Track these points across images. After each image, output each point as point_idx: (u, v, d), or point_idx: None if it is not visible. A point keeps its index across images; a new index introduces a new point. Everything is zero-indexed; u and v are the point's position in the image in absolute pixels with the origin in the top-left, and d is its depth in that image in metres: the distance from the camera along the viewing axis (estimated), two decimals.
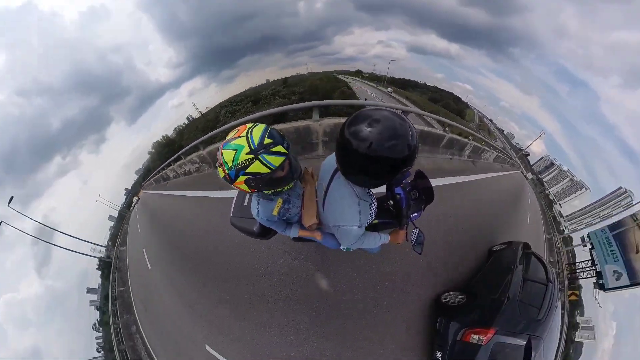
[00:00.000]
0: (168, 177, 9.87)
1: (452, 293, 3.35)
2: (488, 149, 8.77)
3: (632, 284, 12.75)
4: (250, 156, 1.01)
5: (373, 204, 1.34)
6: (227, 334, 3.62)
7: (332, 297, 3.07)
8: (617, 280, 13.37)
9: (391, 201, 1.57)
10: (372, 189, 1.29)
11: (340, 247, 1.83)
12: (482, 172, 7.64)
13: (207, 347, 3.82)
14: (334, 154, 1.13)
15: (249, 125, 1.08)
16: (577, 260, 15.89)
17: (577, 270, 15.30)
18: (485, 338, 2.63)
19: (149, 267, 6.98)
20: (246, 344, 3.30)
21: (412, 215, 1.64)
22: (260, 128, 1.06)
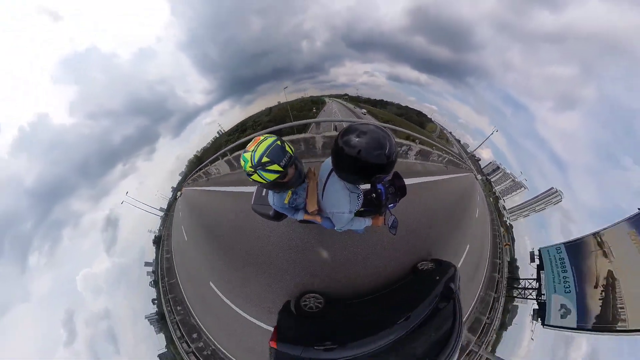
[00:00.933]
0: (204, 175, 11.57)
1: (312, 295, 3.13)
2: (440, 153, 9.37)
3: (579, 328, 8.37)
4: (251, 170, 1.22)
5: (360, 196, 1.60)
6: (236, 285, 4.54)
7: (327, 261, 3.73)
8: (562, 317, 9.03)
9: (374, 194, 1.86)
10: (360, 187, 1.59)
11: (335, 228, 2.11)
12: (438, 174, 8.52)
13: (211, 284, 4.97)
14: (330, 157, 1.35)
15: (262, 137, 1.24)
16: (520, 277, 12.07)
17: (518, 288, 11.54)
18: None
19: (186, 239, 8.55)
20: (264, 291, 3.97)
21: (389, 206, 1.98)
22: (266, 144, 1.21)
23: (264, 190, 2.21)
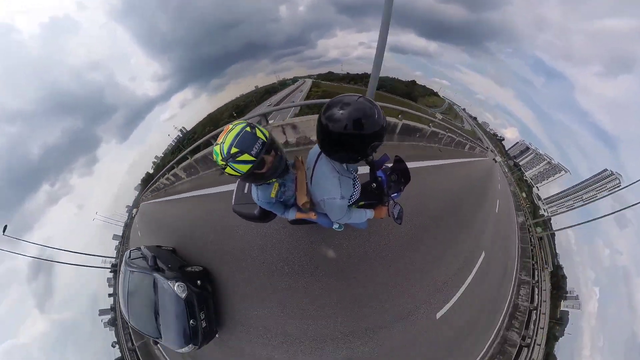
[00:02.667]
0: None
1: None
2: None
3: None
4: (223, 163, 1.15)
5: (356, 182, 1.57)
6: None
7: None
8: None
9: (374, 184, 1.77)
10: (355, 173, 1.59)
11: (333, 226, 2.20)
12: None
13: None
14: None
15: (231, 125, 1.16)
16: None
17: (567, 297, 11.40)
18: None
19: None
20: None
21: (392, 195, 1.90)
22: (234, 132, 1.13)
23: (246, 186, 2.09)
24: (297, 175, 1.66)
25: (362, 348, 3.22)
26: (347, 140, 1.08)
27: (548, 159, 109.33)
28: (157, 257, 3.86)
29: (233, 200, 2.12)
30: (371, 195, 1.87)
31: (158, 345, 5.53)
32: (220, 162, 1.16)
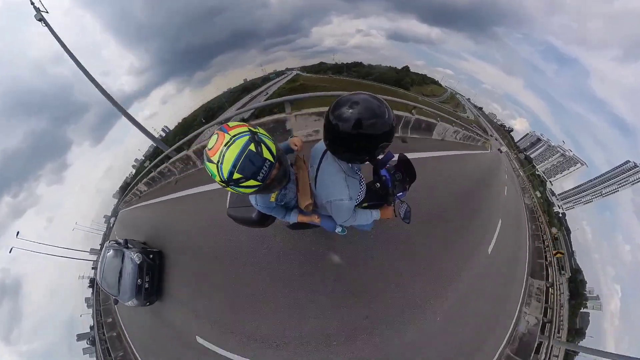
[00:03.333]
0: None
1: None
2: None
3: None
4: (222, 184, 1.02)
5: (362, 183, 1.55)
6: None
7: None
8: None
9: (378, 183, 1.78)
10: (360, 173, 1.57)
11: (336, 230, 2.27)
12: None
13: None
14: (322, 140, 1.30)
15: (227, 136, 0.96)
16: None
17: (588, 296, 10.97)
18: None
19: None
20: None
21: (398, 194, 1.89)
22: (234, 152, 0.95)
23: None
24: (299, 175, 1.60)
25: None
26: (357, 141, 1.08)
27: (562, 151, 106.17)
28: (127, 240, 5.59)
29: (227, 204, 2.02)
30: (375, 195, 1.88)
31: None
32: (219, 182, 1.02)
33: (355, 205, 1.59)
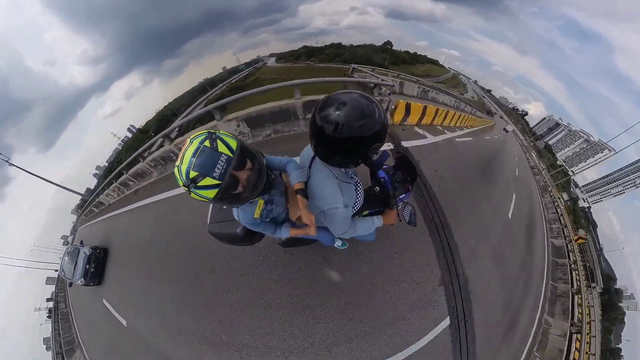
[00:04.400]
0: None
1: None
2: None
3: None
4: (185, 189, 1.00)
5: (359, 188, 1.54)
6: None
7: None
8: None
9: (377, 187, 1.76)
10: (356, 177, 1.54)
11: (336, 244, 2.35)
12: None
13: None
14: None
15: (188, 141, 1.01)
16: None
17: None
18: None
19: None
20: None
21: (401, 196, 1.85)
22: (191, 150, 0.98)
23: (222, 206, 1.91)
24: (289, 184, 1.53)
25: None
26: (346, 144, 1.04)
27: (585, 136, 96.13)
28: (82, 241, 8.11)
29: (208, 219, 1.89)
30: (375, 200, 1.86)
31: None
32: (184, 188, 1.00)
33: (355, 214, 1.58)
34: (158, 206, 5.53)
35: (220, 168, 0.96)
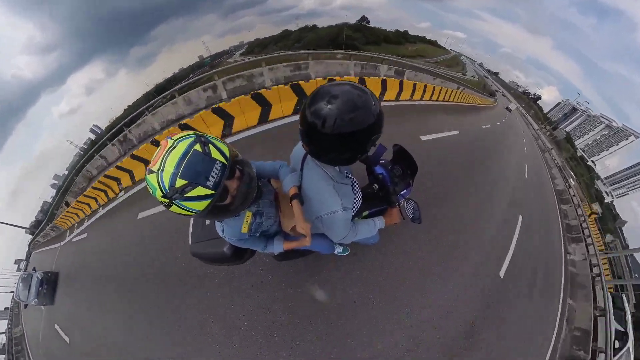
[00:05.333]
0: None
1: None
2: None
3: None
4: (166, 200, 0.86)
5: (356, 188, 1.51)
6: None
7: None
8: None
9: (375, 185, 1.77)
10: (352, 176, 1.53)
11: (336, 251, 2.53)
12: None
13: None
14: (300, 143, 1.33)
15: (170, 141, 0.88)
16: None
17: None
18: None
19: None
20: None
21: (402, 193, 1.84)
22: (177, 154, 0.85)
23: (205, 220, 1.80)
24: (279, 192, 1.49)
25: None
26: (341, 140, 0.99)
27: (607, 121, 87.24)
28: (35, 268, 10.16)
29: (190, 239, 1.75)
30: (375, 199, 1.81)
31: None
32: (161, 199, 0.86)
33: (354, 216, 1.54)
34: (109, 228, 6.03)
35: (215, 177, 0.85)
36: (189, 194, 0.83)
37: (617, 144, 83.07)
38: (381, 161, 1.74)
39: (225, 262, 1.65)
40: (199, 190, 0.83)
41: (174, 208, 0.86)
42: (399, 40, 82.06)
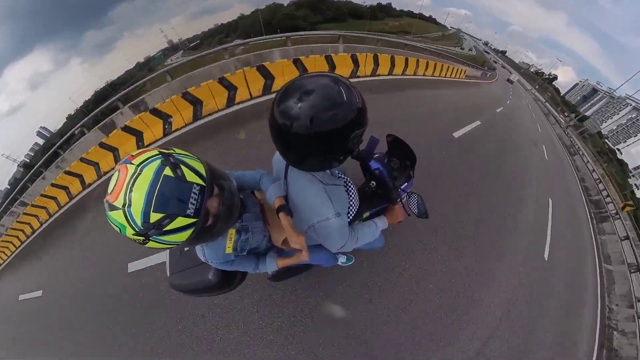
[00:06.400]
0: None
1: None
2: None
3: None
4: (140, 238, 0.75)
5: (350, 189, 1.42)
6: None
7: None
8: None
9: (373, 182, 1.68)
10: (345, 176, 1.44)
11: (339, 261, 2.32)
12: None
13: None
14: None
15: (130, 169, 0.73)
16: None
17: None
18: None
19: None
20: None
21: (402, 187, 1.74)
22: (144, 183, 0.71)
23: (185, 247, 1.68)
24: (265, 203, 1.38)
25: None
26: (319, 141, 0.90)
27: (635, 103, 77.67)
28: None
29: (168, 270, 1.61)
30: (375, 198, 1.72)
31: None
32: (133, 237, 0.75)
33: (353, 220, 1.50)
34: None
35: (195, 203, 0.75)
36: (167, 228, 0.72)
37: None
38: (376, 155, 1.67)
39: (212, 291, 1.47)
40: (179, 222, 0.73)
41: (150, 244, 0.76)
42: (376, 15, 73.28)
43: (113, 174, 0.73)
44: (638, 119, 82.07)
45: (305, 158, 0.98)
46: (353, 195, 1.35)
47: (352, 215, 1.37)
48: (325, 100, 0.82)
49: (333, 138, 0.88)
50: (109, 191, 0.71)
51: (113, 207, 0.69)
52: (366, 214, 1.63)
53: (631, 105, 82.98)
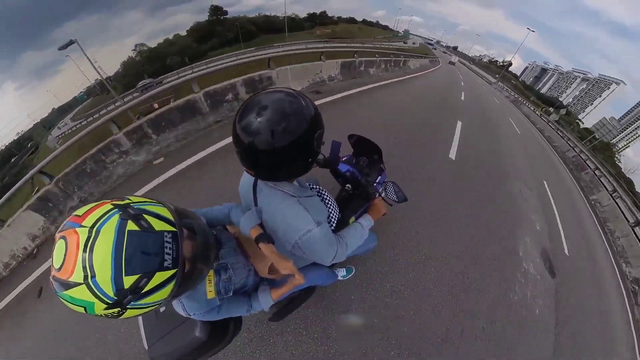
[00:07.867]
0: None
1: None
2: None
3: None
4: (114, 310, 0.70)
5: (326, 198, 1.51)
6: None
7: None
8: None
9: (348, 185, 1.75)
10: (317, 186, 1.53)
11: (339, 275, 2.33)
12: None
13: None
14: (244, 173, 1.32)
15: (81, 235, 0.66)
16: None
17: None
18: None
19: None
20: None
21: (377, 181, 1.84)
22: (105, 248, 0.65)
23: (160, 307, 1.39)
24: (238, 235, 1.37)
25: None
26: (281, 153, 0.96)
27: (581, 74, 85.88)
28: None
29: (145, 343, 1.43)
30: (354, 201, 1.78)
31: None
32: (106, 312, 0.70)
33: (338, 227, 1.53)
34: None
35: (171, 251, 0.72)
36: (146, 289, 0.69)
37: (600, 96, 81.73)
38: (343, 158, 1.77)
39: (205, 350, 1.30)
40: (158, 278, 0.70)
41: (128, 313, 0.71)
42: (302, 26, 75.26)
43: (55, 245, 0.64)
44: (589, 89, 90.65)
45: (276, 170, 0.97)
46: (330, 203, 1.39)
47: (335, 222, 1.39)
48: (280, 113, 0.86)
49: (295, 148, 0.91)
50: (57, 267, 0.62)
51: (69, 285, 0.62)
52: (352, 219, 1.63)
53: (579, 77, 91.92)
